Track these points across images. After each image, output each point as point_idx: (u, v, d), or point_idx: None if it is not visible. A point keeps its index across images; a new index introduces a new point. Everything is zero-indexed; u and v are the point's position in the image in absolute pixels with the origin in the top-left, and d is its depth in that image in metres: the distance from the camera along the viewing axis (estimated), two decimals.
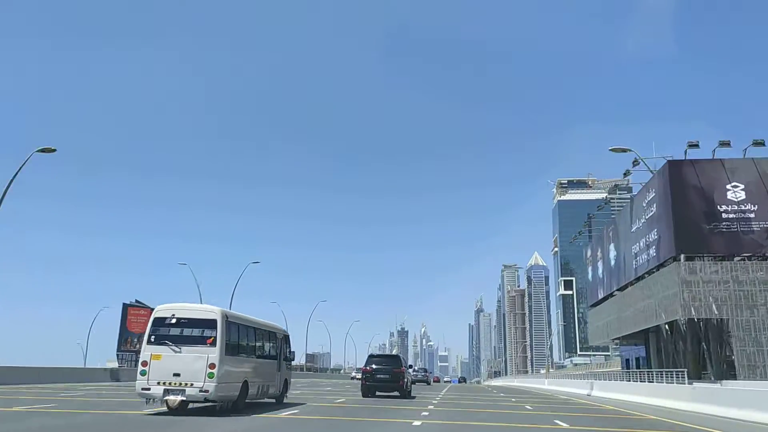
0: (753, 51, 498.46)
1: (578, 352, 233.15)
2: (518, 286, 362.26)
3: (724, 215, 35.15)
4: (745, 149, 37.04)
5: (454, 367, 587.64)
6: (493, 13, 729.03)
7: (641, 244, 41.98)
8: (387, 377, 25.59)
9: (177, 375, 14.31)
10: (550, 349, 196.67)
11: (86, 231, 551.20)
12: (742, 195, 35.16)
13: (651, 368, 44.31)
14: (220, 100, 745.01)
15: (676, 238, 35.53)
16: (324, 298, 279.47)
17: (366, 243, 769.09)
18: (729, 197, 35.24)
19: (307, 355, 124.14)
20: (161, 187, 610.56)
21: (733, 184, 35.40)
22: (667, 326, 43.02)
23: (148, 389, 14.39)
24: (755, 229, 34.82)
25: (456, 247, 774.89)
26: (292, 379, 21.66)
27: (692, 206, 35.79)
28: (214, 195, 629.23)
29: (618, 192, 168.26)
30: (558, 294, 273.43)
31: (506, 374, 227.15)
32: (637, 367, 52.47)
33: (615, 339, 54.19)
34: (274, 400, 19.37)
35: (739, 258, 35.17)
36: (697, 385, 28.10)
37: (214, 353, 14.52)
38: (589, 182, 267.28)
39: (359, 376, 29.16)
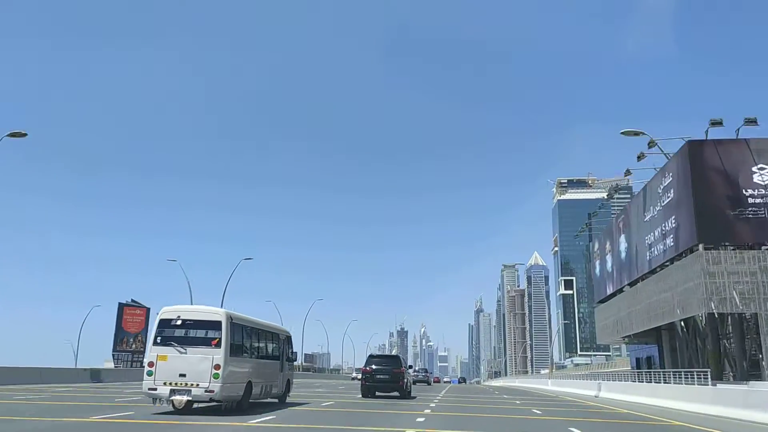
0: (753, 51, 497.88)
1: (578, 352, 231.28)
2: (518, 286, 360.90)
3: (750, 200, 31.99)
4: None
5: (454, 367, 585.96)
6: (493, 13, 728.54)
7: (656, 233, 38.81)
8: (387, 377, 25.54)
9: (183, 375, 14.55)
10: (552, 348, 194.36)
11: (86, 231, 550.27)
12: None
13: (664, 368, 41.33)
14: (220, 100, 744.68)
15: (697, 226, 32.37)
16: (322, 298, 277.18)
17: (366, 243, 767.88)
18: (756, 180, 32.10)
19: (305, 354, 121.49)
20: (161, 187, 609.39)
21: (759, 166, 32.22)
22: (682, 323, 40.00)
23: (155, 389, 14.62)
24: None
25: (456, 247, 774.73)
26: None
27: (715, 190, 32.62)
28: (214, 195, 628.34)
29: (619, 193, 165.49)
30: (558, 294, 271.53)
31: (506, 374, 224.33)
32: (648, 367, 49.50)
33: (625, 337, 50.96)
34: (276, 400, 19.50)
35: (767, 247, 32.14)
36: (720, 386, 25.95)
37: (219, 354, 14.73)
38: (589, 182, 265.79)
39: (360, 376, 28.60)
